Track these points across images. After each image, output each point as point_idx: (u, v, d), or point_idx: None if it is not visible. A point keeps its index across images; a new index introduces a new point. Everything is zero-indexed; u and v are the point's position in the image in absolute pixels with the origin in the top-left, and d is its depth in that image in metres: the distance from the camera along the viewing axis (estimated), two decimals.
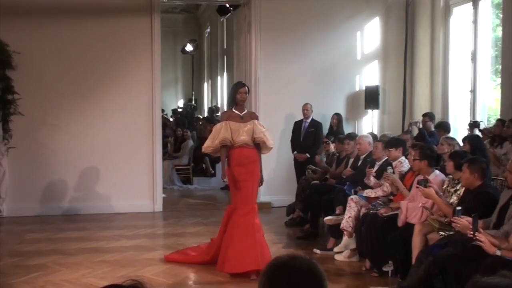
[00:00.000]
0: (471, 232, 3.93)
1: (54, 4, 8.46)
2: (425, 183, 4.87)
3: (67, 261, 6.03)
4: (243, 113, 5.70)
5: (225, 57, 15.96)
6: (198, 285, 5.50)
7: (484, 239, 3.89)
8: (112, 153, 8.67)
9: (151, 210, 8.79)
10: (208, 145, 5.76)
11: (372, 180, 6.18)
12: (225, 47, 15.96)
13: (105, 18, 8.61)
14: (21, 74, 8.01)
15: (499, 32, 7.60)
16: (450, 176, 5.10)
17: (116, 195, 8.63)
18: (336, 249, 6.18)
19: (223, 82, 16.41)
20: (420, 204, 5.06)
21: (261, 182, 5.77)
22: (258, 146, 5.74)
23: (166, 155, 11.47)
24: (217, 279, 5.52)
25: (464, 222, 4.10)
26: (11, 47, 7.94)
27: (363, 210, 5.92)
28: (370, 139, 7.05)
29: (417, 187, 4.83)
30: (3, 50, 7.89)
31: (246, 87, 5.77)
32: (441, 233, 4.78)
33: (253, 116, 5.76)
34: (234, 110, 5.72)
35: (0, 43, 7.90)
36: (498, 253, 3.83)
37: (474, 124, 7.03)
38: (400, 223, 5.22)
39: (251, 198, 5.67)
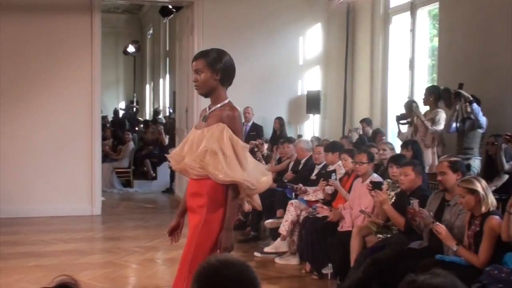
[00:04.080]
0: (433, 222, 4.04)
1: None
2: (379, 186, 4.92)
3: None
4: (212, 108, 3.30)
5: (167, 59, 15.82)
6: None
7: (444, 230, 3.97)
8: (50, 154, 8.42)
9: (90, 213, 8.59)
10: None
11: (309, 190, 6.22)
12: (167, 49, 15.82)
13: (43, 15, 8.37)
14: None
15: (436, 42, 7.86)
16: (389, 180, 5.23)
17: (54, 198, 8.39)
18: (266, 249, 6.23)
19: (165, 84, 16.26)
20: (359, 208, 5.17)
21: (221, 249, 3.18)
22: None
23: (106, 158, 11.25)
24: (156, 283, 5.44)
25: (426, 212, 4.21)
26: None
27: (304, 214, 5.99)
28: (309, 144, 7.14)
29: (372, 190, 4.87)
30: None
31: (194, 62, 3.27)
32: (379, 235, 4.89)
33: (222, 116, 3.20)
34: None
35: None
36: (455, 248, 3.93)
37: (400, 117, 7.15)
38: (343, 228, 5.32)
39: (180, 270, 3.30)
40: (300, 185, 6.29)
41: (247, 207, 3.42)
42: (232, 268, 1.64)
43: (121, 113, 17.61)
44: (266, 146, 8.00)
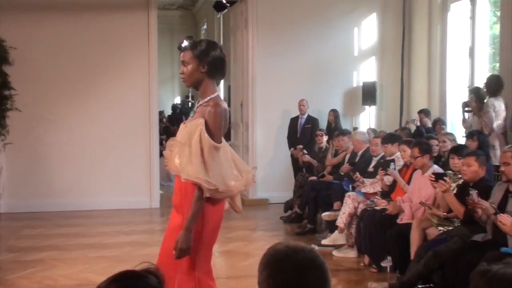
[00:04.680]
0: (495, 212, 3.92)
1: (51, 0, 8.42)
2: (441, 177, 4.78)
3: (64, 256, 6.01)
4: (200, 103, 3.19)
5: None
6: None
7: (509, 222, 3.80)
8: (109, 149, 8.65)
9: (148, 206, 8.77)
10: None
11: (365, 182, 6.15)
12: (221, 43, 15.92)
13: (102, 14, 8.59)
14: (18, 70, 7.96)
15: (497, 29, 7.60)
16: (450, 171, 5.10)
17: (113, 192, 8.61)
18: (323, 242, 6.20)
19: None
20: (419, 200, 5.07)
21: (176, 250, 2.98)
22: None
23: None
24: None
25: (487, 203, 4.08)
26: (8, 42, 7.90)
27: (361, 206, 5.93)
28: (366, 136, 7.05)
29: (435, 181, 4.76)
30: (0, 46, 7.86)
31: (181, 53, 3.17)
32: (440, 228, 4.79)
33: (205, 111, 3.08)
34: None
35: None
36: None
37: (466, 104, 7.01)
38: (402, 220, 5.23)
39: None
40: (358, 173, 6.23)
41: (226, 206, 3.29)
42: (301, 253, 1.62)
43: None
44: (325, 138, 7.94)
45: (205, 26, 18.64)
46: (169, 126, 13.51)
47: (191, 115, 3.17)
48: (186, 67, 3.12)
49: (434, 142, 5.95)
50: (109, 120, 8.63)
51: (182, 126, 3.18)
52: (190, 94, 18.66)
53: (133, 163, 8.71)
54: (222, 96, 14.54)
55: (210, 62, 3.08)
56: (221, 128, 3.07)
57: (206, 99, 3.12)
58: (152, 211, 8.66)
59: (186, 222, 2.98)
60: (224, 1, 10.07)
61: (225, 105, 3.13)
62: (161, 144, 11.50)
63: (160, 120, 12.02)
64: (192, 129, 3.03)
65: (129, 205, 8.54)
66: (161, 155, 10.10)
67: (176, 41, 18.41)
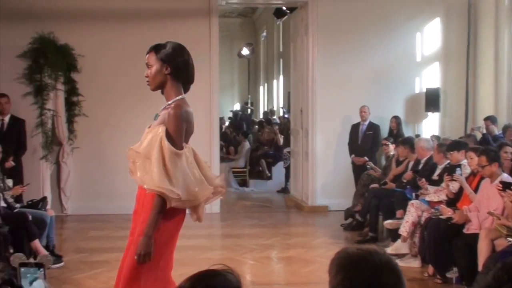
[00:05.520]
0: None
1: (115, 9, 8.67)
2: (509, 186, 4.63)
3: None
4: (163, 106, 3.14)
5: (281, 60, 15.98)
6: (256, 286, 5.51)
7: None
8: None
9: (209, 211, 8.84)
10: None
11: (430, 189, 6.04)
12: (281, 50, 15.98)
13: (165, 22, 8.76)
14: (85, 77, 8.25)
15: None
16: None
17: None
18: (386, 250, 6.09)
19: (279, 85, 16.43)
20: (487, 210, 4.92)
21: (137, 255, 2.96)
22: None
23: (224, 158, 11.59)
24: (273, 280, 5.50)
25: None
26: (76, 50, 8.22)
27: (425, 215, 5.80)
28: (430, 143, 6.91)
29: (502, 190, 4.61)
30: (69, 54, 8.19)
31: (146, 55, 3.19)
32: (509, 239, 4.62)
33: (165, 114, 3.04)
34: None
35: (66, 47, 8.19)
36: None
37: None
38: (469, 230, 5.08)
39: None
40: (423, 179, 6.10)
41: (194, 217, 3.21)
42: (376, 255, 1.60)
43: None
44: (392, 147, 7.81)
45: (264, 33, 18.76)
46: (226, 133, 13.66)
47: (155, 119, 3.09)
48: (150, 69, 3.07)
49: (509, 149, 5.74)
50: None
51: (146, 130, 3.09)
52: (249, 101, 18.82)
53: None
54: (281, 103, 14.61)
55: (174, 65, 3.02)
56: (182, 132, 2.96)
57: (169, 102, 3.04)
58: (213, 216, 8.74)
59: (145, 228, 2.92)
60: (284, 8, 10.11)
61: (188, 107, 3.01)
62: (221, 150, 11.64)
63: (220, 127, 12.17)
64: (153, 139, 2.95)
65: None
66: (221, 160, 10.23)
67: (236, 48, 18.68)
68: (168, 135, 2.92)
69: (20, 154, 7.74)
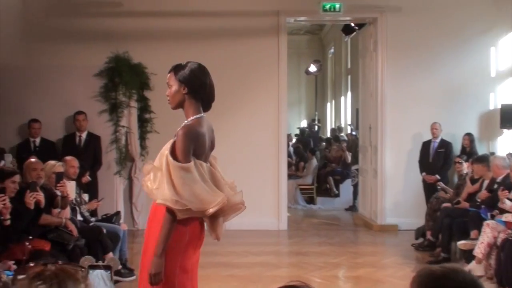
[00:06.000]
0: None
1: (186, 28, 8.89)
2: None
3: (199, 273, 6.21)
4: (182, 124, 3.17)
5: (349, 76, 15.87)
6: None
7: None
8: (239, 171, 8.84)
9: (276, 228, 8.87)
10: None
11: (507, 203, 5.81)
12: (349, 66, 15.88)
13: (234, 40, 8.92)
14: (157, 94, 8.48)
15: None
16: None
17: (243, 212, 8.78)
18: None
19: (347, 102, 16.31)
20: None
21: (150, 277, 2.97)
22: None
23: (291, 175, 11.59)
24: None
25: None
26: (149, 69, 8.49)
27: (502, 236, 5.57)
28: (506, 161, 6.67)
29: None
30: (142, 72, 8.47)
31: (168, 74, 3.28)
32: None
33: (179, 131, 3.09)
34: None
35: (140, 66, 8.49)
36: None
37: None
38: None
39: None
40: (506, 191, 5.88)
41: (213, 235, 3.22)
42: (461, 274, 1.56)
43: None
44: (465, 165, 7.58)
45: (332, 50, 18.73)
46: (299, 147, 13.64)
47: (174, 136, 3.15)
48: (170, 89, 3.17)
49: None
50: (239, 142, 8.88)
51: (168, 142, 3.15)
52: (316, 118, 18.79)
53: (262, 185, 8.87)
54: (349, 119, 14.50)
55: (190, 85, 3.11)
56: (186, 151, 2.99)
57: (187, 120, 3.14)
58: (280, 233, 8.75)
59: (155, 248, 2.95)
60: (353, 25, 10.07)
61: (200, 128, 3.08)
62: (288, 166, 11.65)
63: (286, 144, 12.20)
64: (164, 153, 3.06)
65: (257, 226, 8.69)
66: (288, 177, 10.24)
67: (303, 65, 18.73)
68: (174, 153, 3.00)
69: (95, 169, 8.05)
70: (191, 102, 3.14)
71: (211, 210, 3.00)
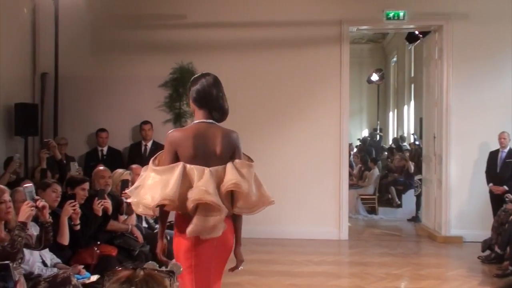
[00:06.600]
0: None
1: (249, 39, 8.98)
2: None
3: (259, 282, 6.28)
4: None
5: (412, 85, 15.60)
6: None
7: None
8: (300, 180, 8.89)
9: (337, 238, 8.81)
10: None
11: None
12: (412, 75, 15.62)
13: (296, 49, 8.94)
14: None
15: None
16: None
17: (303, 221, 8.81)
18: None
19: (409, 111, 16.03)
20: None
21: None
22: None
23: (352, 184, 11.49)
24: None
25: None
26: None
27: None
28: None
29: None
30: None
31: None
32: None
33: None
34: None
35: None
36: None
37: None
38: None
39: None
40: None
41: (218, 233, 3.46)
42: None
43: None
44: None
45: (395, 59, 18.47)
46: (365, 155, 13.47)
47: None
48: None
49: None
50: (301, 151, 8.89)
51: None
52: (378, 127, 18.55)
53: (323, 194, 8.84)
54: (412, 129, 14.15)
55: (191, 94, 3.41)
56: (167, 153, 3.32)
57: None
58: (341, 243, 8.68)
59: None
60: (417, 32, 9.91)
61: (180, 133, 3.33)
62: (350, 176, 11.56)
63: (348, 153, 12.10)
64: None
65: (318, 235, 8.66)
66: (349, 187, 10.16)
67: (365, 74, 18.55)
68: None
69: None
70: (198, 110, 3.41)
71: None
